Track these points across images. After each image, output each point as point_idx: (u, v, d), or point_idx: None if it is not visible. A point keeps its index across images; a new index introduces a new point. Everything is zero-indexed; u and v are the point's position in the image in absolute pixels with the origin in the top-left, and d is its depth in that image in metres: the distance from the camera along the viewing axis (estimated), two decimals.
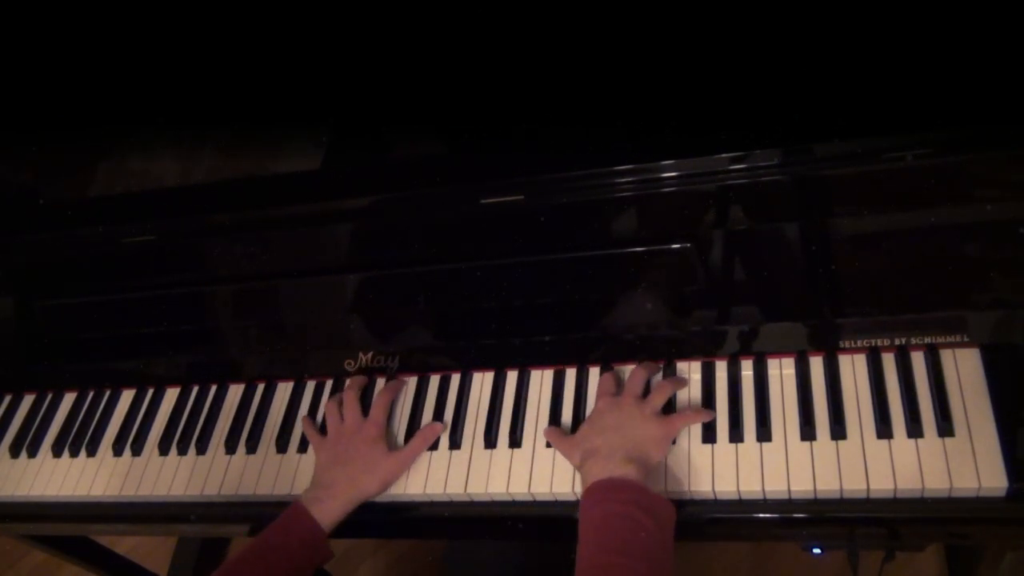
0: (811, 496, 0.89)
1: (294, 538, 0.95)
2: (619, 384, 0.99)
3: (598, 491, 0.86)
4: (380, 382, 1.11)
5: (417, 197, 1.01)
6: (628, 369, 1.02)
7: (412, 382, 1.10)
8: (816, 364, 0.96)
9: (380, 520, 1.03)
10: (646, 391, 0.98)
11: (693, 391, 0.99)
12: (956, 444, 0.86)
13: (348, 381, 1.10)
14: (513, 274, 1.01)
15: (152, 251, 1.12)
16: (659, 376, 1.00)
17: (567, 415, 1.02)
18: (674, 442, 0.95)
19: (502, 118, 1.01)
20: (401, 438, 1.06)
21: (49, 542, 1.49)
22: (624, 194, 0.94)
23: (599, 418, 0.94)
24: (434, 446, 1.04)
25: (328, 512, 0.97)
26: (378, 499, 1.02)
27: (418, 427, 1.06)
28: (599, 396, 0.98)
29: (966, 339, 0.91)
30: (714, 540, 1.57)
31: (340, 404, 1.07)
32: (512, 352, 1.07)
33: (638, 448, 0.89)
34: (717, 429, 0.94)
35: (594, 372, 1.04)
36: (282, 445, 1.10)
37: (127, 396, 1.22)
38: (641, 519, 0.81)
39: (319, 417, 1.11)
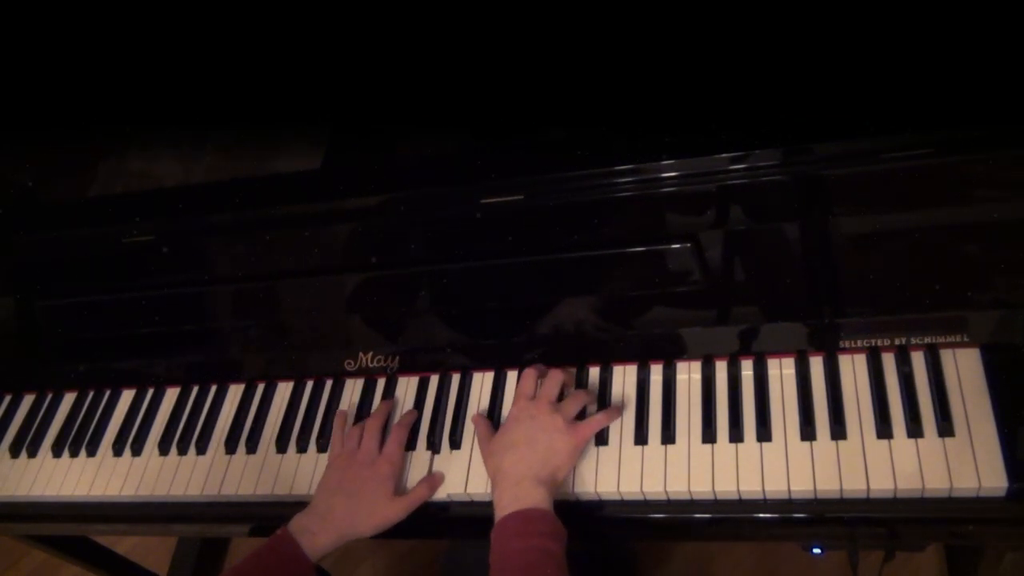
0: (811, 496, 0.89)
1: (280, 569, 0.94)
2: (539, 384, 1.00)
3: (511, 524, 0.88)
4: (380, 382, 1.11)
5: (417, 197, 1.01)
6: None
7: (412, 382, 1.10)
8: (816, 364, 0.96)
9: None
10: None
11: (693, 390, 0.99)
12: (956, 444, 0.87)
13: (375, 410, 1.07)
14: (513, 274, 1.01)
15: (152, 251, 1.12)
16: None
17: None
18: (673, 442, 0.95)
19: (502, 118, 1.01)
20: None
21: (49, 542, 1.49)
22: (624, 194, 0.94)
23: (513, 427, 0.96)
24: (434, 447, 1.04)
25: (318, 546, 0.95)
26: None
27: (417, 428, 1.06)
28: (516, 398, 0.99)
29: (966, 339, 0.91)
30: (714, 540, 1.57)
31: (362, 430, 1.04)
32: (512, 352, 1.07)
33: (547, 465, 0.92)
34: (717, 429, 0.95)
35: (594, 371, 1.04)
36: (282, 445, 1.10)
37: (127, 396, 1.22)
38: (552, 548, 0.86)
39: (316, 416, 1.11)
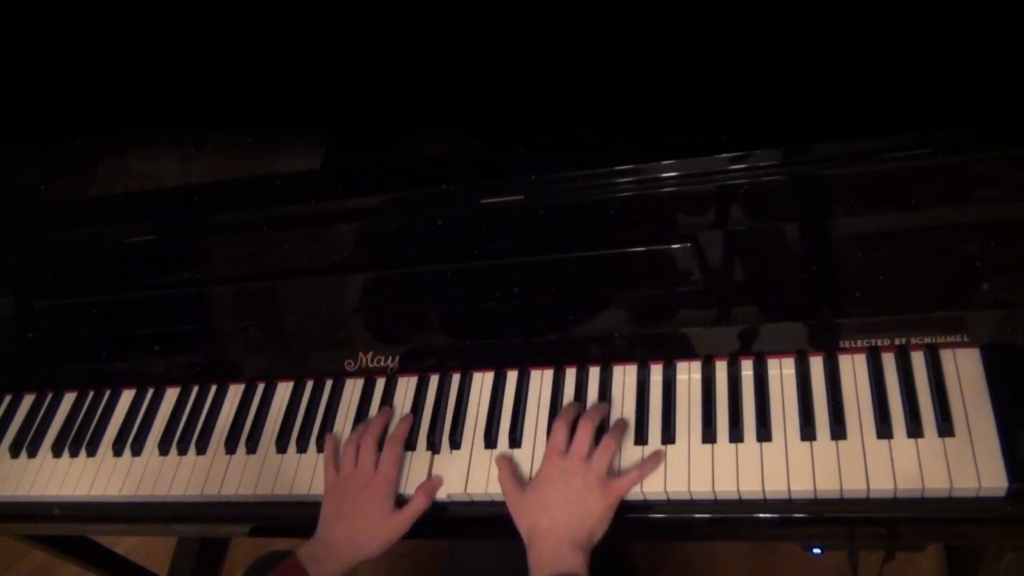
0: (811, 496, 0.89)
1: None
2: (570, 434, 0.96)
3: None
4: (380, 382, 1.11)
5: (417, 197, 1.01)
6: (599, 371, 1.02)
7: (412, 382, 1.10)
8: (816, 364, 0.96)
9: None
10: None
11: (693, 390, 0.99)
12: (956, 444, 0.87)
13: (370, 422, 1.06)
14: (513, 274, 1.01)
15: (152, 251, 1.12)
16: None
17: None
18: (673, 442, 0.95)
19: (502, 118, 1.01)
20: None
21: (49, 542, 1.49)
22: (624, 194, 0.94)
23: (547, 487, 0.93)
24: (434, 447, 1.04)
25: (327, 573, 0.95)
26: None
27: (417, 428, 1.06)
28: (548, 453, 0.95)
29: (966, 339, 0.91)
30: (714, 540, 1.57)
31: (357, 448, 1.03)
32: (512, 352, 1.07)
33: (584, 528, 0.89)
34: (717, 429, 0.95)
35: (594, 372, 1.04)
36: (282, 445, 1.10)
37: (127, 396, 1.22)
38: None
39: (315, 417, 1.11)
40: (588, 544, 0.89)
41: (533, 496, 0.93)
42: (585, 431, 0.95)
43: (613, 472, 0.94)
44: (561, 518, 0.90)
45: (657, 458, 0.94)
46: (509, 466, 0.98)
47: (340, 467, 1.03)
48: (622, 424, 0.98)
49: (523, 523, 0.93)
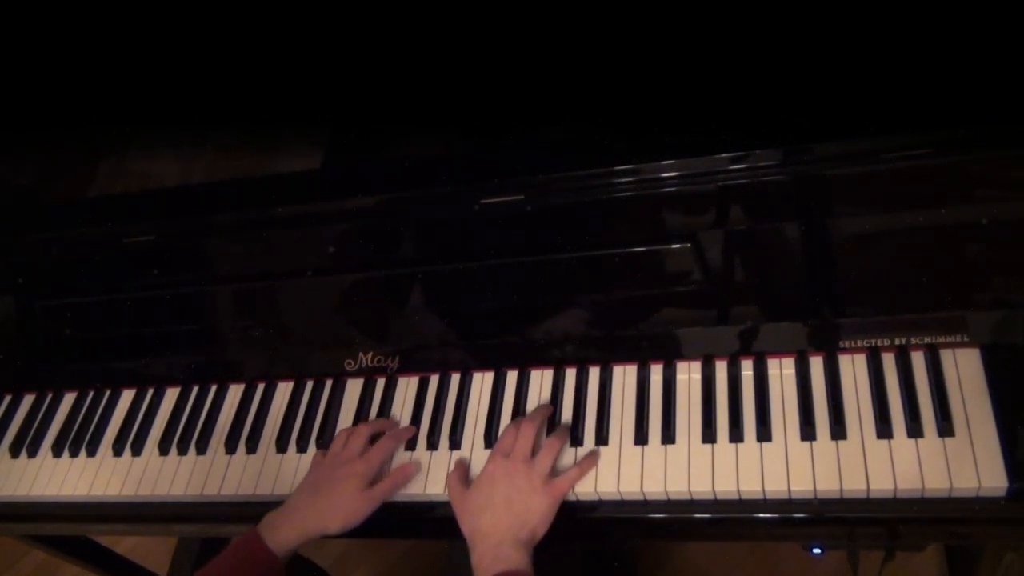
0: (811, 496, 0.89)
1: (246, 566, 0.94)
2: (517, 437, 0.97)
3: None
4: (380, 382, 1.11)
5: (417, 197, 1.01)
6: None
7: (412, 382, 1.10)
8: (816, 364, 0.96)
9: (381, 520, 1.03)
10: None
11: (693, 390, 0.99)
12: (956, 444, 0.87)
13: (371, 421, 1.07)
14: (513, 274, 1.01)
15: (152, 251, 1.12)
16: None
17: (567, 415, 1.02)
18: (673, 442, 0.95)
19: (502, 118, 1.01)
20: None
21: (49, 542, 1.49)
22: (624, 194, 0.94)
23: (489, 487, 0.93)
24: (434, 446, 1.04)
25: (279, 539, 0.95)
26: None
27: (418, 428, 1.06)
28: (492, 455, 0.96)
29: (966, 339, 0.91)
30: (714, 540, 1.57)
31: (350, 433, 1.04)
32: (512, 352, 1.07)
33: (526, 526, 0.90)
34: (717, 429, 0.95)
35: (594, 372, 1.04)
36: (282, 445, 1.10)
37: (127, 396, 1.22)
38: None
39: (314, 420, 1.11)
40: (530, 542, 0.90)
41: (475, 496, 0.94)
42: (526, 433, 0.96)
43: (557, 472, 0.95)
44: (503, 518, 0.91)
45: (593, 457, 0.96)
46: (462, 468, 1.00)
47: (330, 448, 1.04)
48: (566, 426, 1.00)
49: (465, 524, 0.93)
